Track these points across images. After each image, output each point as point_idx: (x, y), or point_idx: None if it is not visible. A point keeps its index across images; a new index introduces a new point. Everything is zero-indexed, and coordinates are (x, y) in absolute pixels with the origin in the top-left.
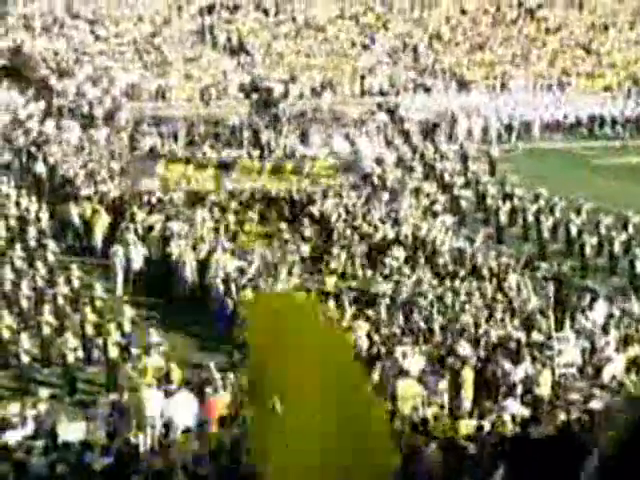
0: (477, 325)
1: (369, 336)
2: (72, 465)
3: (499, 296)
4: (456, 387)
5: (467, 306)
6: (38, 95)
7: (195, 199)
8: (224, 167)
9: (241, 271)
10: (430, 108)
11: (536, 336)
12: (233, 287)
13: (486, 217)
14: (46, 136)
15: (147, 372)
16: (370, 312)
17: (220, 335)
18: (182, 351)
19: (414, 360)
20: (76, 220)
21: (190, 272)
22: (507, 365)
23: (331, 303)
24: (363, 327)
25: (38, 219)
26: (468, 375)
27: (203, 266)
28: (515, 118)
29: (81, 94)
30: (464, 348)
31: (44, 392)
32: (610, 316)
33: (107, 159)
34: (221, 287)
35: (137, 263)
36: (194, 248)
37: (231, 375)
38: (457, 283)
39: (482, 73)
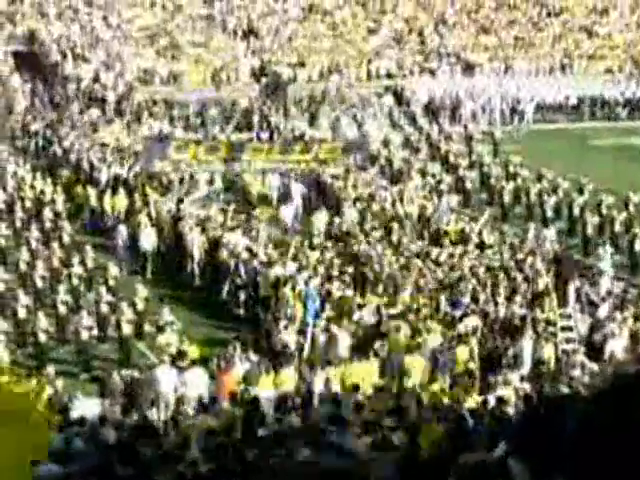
0: (482, 301)
1: (378, 311)
2: (88, 440)
3: (503, 274)
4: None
5: (472, 283)
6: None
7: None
8: (235, 149)
9: (250, 250)
10: (435, 91)
11: (540, 313)
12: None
13: (490, 197)
14: (60, 120)
15: (160, 349)
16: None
17: None
18: (194, 329)
19: (429, 337)
20: (93, 202)
21: (199, 252)
22: (510, 341)
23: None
24: (373, 301)
25: (53, 201)
26: (467, 351)
27: (214, 245)
28: (518, 100)
29: (95, 79)
30: (466, 325)
31: (51, 369)
32: (609, 293)
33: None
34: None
35: (147, 244)
36: (203, 229)
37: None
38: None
39: (486, 56)
